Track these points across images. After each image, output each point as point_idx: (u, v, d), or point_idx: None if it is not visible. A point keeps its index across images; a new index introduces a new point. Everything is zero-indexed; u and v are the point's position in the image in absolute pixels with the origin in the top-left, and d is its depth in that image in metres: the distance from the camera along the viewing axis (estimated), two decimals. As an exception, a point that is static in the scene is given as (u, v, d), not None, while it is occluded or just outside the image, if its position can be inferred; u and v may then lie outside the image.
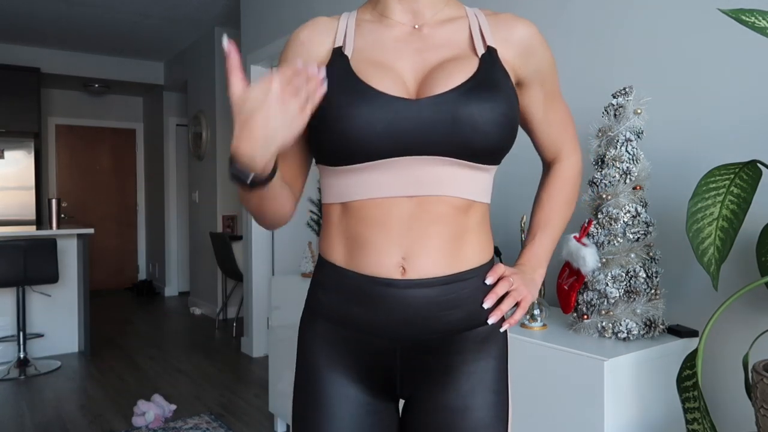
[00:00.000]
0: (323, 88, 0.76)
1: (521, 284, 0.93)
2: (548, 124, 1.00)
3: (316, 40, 0.91)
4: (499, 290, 0.90)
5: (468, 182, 0.86)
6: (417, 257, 0.85)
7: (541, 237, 1.01)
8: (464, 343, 0.89)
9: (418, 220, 0.85)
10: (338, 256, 0.90)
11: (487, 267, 0.91)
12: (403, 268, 0.85)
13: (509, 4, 2.22)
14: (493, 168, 0.89)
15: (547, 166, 1.07)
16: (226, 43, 0.72)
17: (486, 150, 0.84)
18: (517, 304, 0.92)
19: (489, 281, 0.90)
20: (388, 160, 0.83)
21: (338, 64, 0.87)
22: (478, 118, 0.81)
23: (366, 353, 0.89)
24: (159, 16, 5.07)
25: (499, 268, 0.91)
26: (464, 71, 0.85)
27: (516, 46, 0.91)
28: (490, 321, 0.89)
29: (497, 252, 1.99)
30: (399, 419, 0.97)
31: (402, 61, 0.88)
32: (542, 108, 0.98)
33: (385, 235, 0.85)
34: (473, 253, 0.89)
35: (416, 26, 0.91)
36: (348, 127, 0.81)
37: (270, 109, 0.73)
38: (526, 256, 1.00)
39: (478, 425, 0.88)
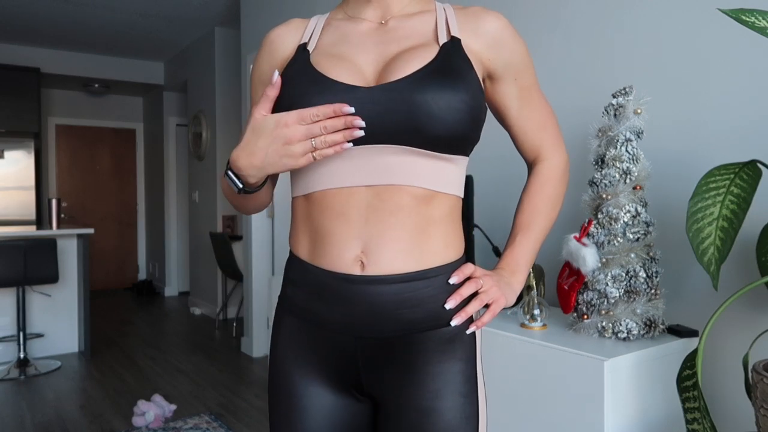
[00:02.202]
0: (351, 135, 0.80)
1: (493, 286, 0.89)
2: (525, 120, 0.97)
3: (285, 39, 0.95)
4: (465, 291, 0.87)
5: (428, 172, 0.84)
6: (377, 250, 0.83)
7: (521, 240, 0.97)
8: (427, 342, 0.86)
9: (377, 210, 0.83)
10: (303, 250, 0.90)
11: (455, 266, 0.89)
12: (362, 263, 0.84)
13: (508, 4, 2.22)
14: (459, 158, 0.87)
15: (530, 166, 1.04)
16: (276, 77, 0.83)
17: (443, 137, 0.82)
18: (487, 306, 0.89)
19: (453, 281, 0.87)
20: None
21: (299, 58, 0.90)
22: (433, 104, 0.80)
23: (331, 349, 0.89)
24: (159, 16, 5.07)
25: (467, 268, 0.89)
26: (422, 59, 0.84)
27: (484, 37, 0.90)
28: (453, 322, 0.86)
29: (496, 253, 1.99)
30: (374, 416, 0.95)
31: (364, 54, 0.88)
32: (517, 104, 0.96)
33: (345, 226, 0.84)
34: (438, 249, 0.86)
35: (383, 21, 0.92)
36: None
37: (273, 140, 0.80)
38: (506, 261, 0.96)
39: (446, 427, 0.85)
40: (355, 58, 0.88)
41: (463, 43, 0.88)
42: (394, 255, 0.84)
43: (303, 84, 0.84)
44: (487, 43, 0.90)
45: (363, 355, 0.88)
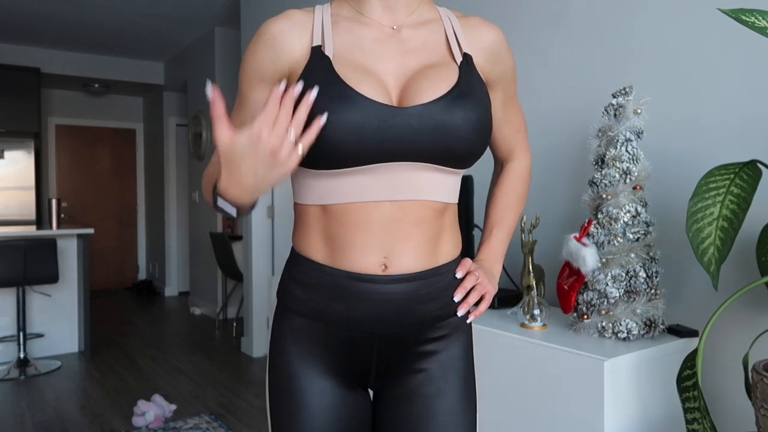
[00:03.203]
0: (320, 121, 0.77)
1: (485, 278, 0.98)
2: (505, 124, 1.05)
3: (290, 36, 0.88)
4: (467, 284, 0.94)
5: (444, 186, 0.90)
6: (398, 256, 0.88)
7: (497, 233, 1.07)
8: (436, 333, 0.93)
9: (400, 222, 0.87)
10: (317, 254, 0.90)
11: (458, 261, 0.96)
12: (385, 266, 0.88)
13: (510, 4, 2.22)
14: (463, 171, 0.93)
15: (500, 164, 1.12)
16: (210, 91, 0.72)
17: (465, 156, 0.87)
18: (481, 297, 0.97)
19: (459, 275, 0.94)
20: (371, 165, 0.84)
21: (320, 64, 0.85)
22: (462, 126, 0.84)
23: (341, 347, 0.91)
24: (159, 16, 5.07)
25: (467, 263, 0.96)
26: (447, 80, 0.87)
27: (484, 50, 0.95)
28: (460, 313, 0.94)
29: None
30: (372, 409, 1.00)
31: (383, 64, 0.88)
32: (502, 109, 1.03)
33: (366, 236, 0.87)
34: (447, 249, 0.94)
35: (394, 27, 0.91)
36: (335, 133, 0.80)
37: (256, 158, 0.74)
38: (485, 253, 1.06)
39: (452, 410, 0.92)
40: (377, 69, 0.87)
41: (473, 59, 0.93)
42: (413, 258, 0.89)
43: (334, 98, 0.81)
44: (486, 56, 0.95)
45: (378, 350, 0.91)
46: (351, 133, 0.80)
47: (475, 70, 0.91)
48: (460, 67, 0.89)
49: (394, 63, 0.88)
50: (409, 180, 0.86)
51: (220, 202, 0.82)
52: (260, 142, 0.73)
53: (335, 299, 0.89)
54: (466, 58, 0.91)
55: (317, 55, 0.86)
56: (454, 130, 0.84)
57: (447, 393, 0.92)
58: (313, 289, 0.90)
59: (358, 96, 0.82)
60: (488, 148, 1.10)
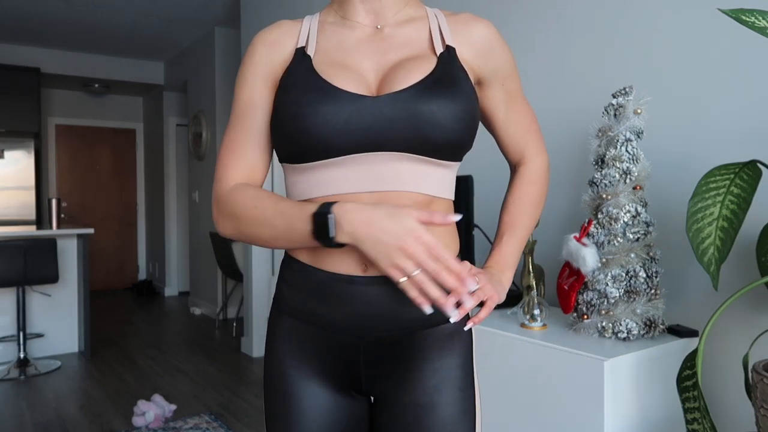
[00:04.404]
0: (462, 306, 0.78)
1: (487, 283, 0.91)
2: (511, 124, 1.01)
3: (284, 42, 0.92)
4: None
5: (429, 178, 0.87)
6: None
7: (509, 240, 1.01)
8: (428, 340, 0.89)
9: None
10: (302, 253, 0.90)
11: None
12: (365, 265, 0.85)
13: (509, 4, 2.22)
14: (455, 165, 0.90)
15: (513, 168, 1.07)
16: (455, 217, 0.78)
17: (445, 146, 0.84)
18: (482, 303, 0.91)
19: None
20: (348, 156, 0.83)
21: (300, 63, 0.89)
22: (438, 114, 0.82)
23: (331, 349, 0.90)
24: (159, 16, 5.08)
25: (464, 266, 0.91)
26: (422, 69, 0.86)
27: (475, 45, 0.93)
28: (452, 319, 0.87)
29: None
30: (369, 415, 0.97)
31: (364, 62, 0.89)
32: (504, 108, 1.00)
33: None
34: None
35: (378, 26, 0.92)
36: (308, 124, 0.82)
37: (396, 236, 0.75)
38: (494, 259, 1.00)
39: (446, 422, 0.88)
40: (357, 65, 0.88)
41: (457, 52, 0.91)
42: None
43: (310, 92, 0.84)
44: (477, 51, 0.93)
45: (365, 354, 0.89)
46: (324, 124, 0.81)
47: (457, 61, 0.89)
48: (439, 58, 0.88)
49: (374, 59, 0.89)
50: (390, 171, 0.84)
51: (330, 216, 0.79)
52: (412, 238, 0.75)
53: (319, 301, 0.88)
54: (448, 50, 0.90)
55: (300, 55, 0.90)
56: (430, 117, 0.82)
57: (440, 404, 0.89)
58: (300, 290, 0.90)
59: (332, 89, 0.83)
60: (500, 150, 1.08)
